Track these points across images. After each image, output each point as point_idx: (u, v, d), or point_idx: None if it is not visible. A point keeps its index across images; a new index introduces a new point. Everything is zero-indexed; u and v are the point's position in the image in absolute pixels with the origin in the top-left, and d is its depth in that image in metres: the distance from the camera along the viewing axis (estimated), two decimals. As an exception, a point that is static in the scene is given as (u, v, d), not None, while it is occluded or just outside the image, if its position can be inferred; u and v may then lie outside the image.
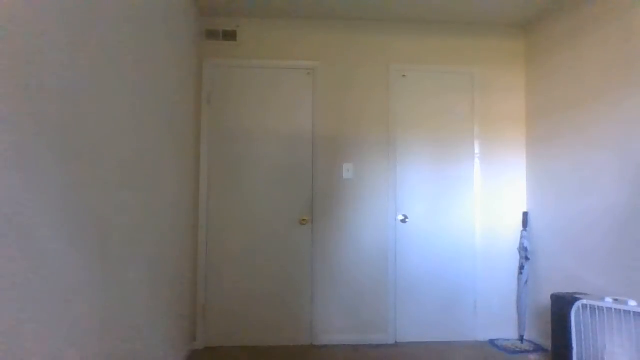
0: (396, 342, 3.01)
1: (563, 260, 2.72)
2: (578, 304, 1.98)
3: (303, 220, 3.00)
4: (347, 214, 3.04)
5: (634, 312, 1.85)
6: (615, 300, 1.92)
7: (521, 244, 3.01)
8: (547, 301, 2.83)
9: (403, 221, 3.08)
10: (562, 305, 2.32)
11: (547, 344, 2.77)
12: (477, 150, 3.15)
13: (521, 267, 2.99)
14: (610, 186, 2.36)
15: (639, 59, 2.19)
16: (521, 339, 3.00)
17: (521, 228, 3.11)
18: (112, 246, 1.46)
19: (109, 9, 1.42)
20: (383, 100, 3.11)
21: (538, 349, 2.87)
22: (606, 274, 2.36)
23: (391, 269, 3.04)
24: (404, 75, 3.15)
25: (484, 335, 3.07)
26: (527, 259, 2.97)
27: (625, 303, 1.89)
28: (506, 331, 3.09)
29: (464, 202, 3.13)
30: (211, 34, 3.02)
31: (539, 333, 2.95)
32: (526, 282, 2.98)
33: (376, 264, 3.04)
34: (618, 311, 1.88)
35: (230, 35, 3.03)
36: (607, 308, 1.91)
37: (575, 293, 2.41)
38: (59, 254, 1.10)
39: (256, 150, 3.02)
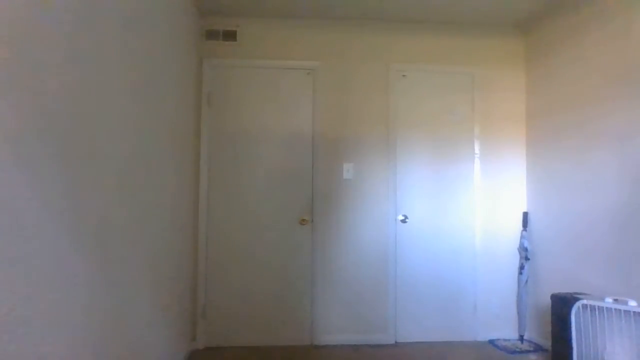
0: (396, 342, 3.01)
1: (563, 260, 2.72)
2: (578, 304, 1.98)
3: (303, 220, 3.00)
4: (347, 214, 3.04)
5: (634, 312, 1.84)
6: (615, 300, 1.92)
7: (521, 244, 3.01)
8: (547, 301, 2.83)
9: (403, 221, 3.08)
10: (562, 305, 2.32)
11: (547, 344, 2.76)
12: (477, 150, 3.15)
13: (521, 267, 2.99)
14: (610, 186, 2.36)
15: (638, 58, 2.19)
16: (521, 339, 3.00)
17: (521, 228, 3.11)
18: (112, 246, 1.46)
19: (109, 8, 1.42)
20: (383, 100, 3.11)
21: (538, 349, 2.87)
22: (606, 274, 2.36)
23: (391, 269, 3.04)
24: (404, 75, 3.15)
25: (483, 335, 3.07)
26: (527, 259, 2.97)
27: (625, 303, 1.88)
28: (506, 331, 3.09)
29: (464, 202, 3.13)
30: (211, 34, 3.02)
31: (539, 333, 2.95)
32: (526, 282, 2.98)
33: (376, 264, 3.04)
34: (618, 311, 1.88)
35: (230, 35, 3.03)
36: (607, 308, 1.90)
37: (575, 293, 2.41)
38: (58, 254, 1.10)
39: (256, 151, 3.02)
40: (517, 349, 2.87)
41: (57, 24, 1.08)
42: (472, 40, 3.19)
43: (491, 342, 3.02)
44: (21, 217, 0.94)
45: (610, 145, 2.36)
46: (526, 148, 3.18)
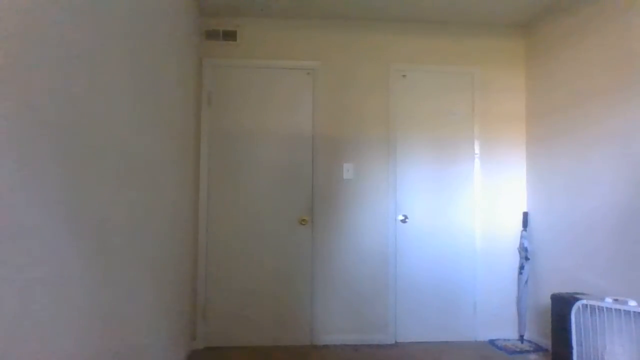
0: (396, 342, 3.01)
1: (563, 260, 2.72)
2: (578, 304, 1.98)
3: (303, 220, 3.00)
4: (347, 214, 3.04)
5: (634, 312, 1.84)
6: (615, 300, 1.92)
7: (521, 244, 3.01)
8: (547, 301, 2.83)
9: (403, 221, 3.08)
10: (562, 305, 2.32)
11: (547, 344, 2.77)
12: (477, 150, 3.15)
13: (521, 267, 2.99)
14: (610, 186, 2.36)
15: (638, 58, 2.19)
16: (521, 339, 3.00)
17: (521, 228, 3.11)
18: (112, 246, 1.46)
19: (109, 8, 1.42)
20: (383, 100, 3.11)
21: (538, 349, 2.87)
22: (606, 274, 2.36)
23: (391, 269, 3.04)
24: (404, 75, 3.15)
25: (484, 335, 3.07)
26: (527, 259, 2.97)
27: (625, 303, 1.89)
28: (506, 331, 3.09)
29: (464, 202, 3.13)
30: (211, 34, 3.02)
31: (539, 333, 2.95)
32: (526, 282, 2.98)
33: (376, 264, 3.04)
34: (618, 311, 1.88)
35: (230, 35, 3.03)
36: (607, 308, 1.90)
37: (576, 293, 2.41)
38: (59, 254, 1.10)
39: (256, 150, 3.02)
40: (517, 349, 2.87)
41: (56, 24, 1.08)
42: (472, 40, 3.19)
43: (491, 342, 3.02)
44: (21, 217, 0.94)
45: (611, 145, 2.36)
46: (526, 148, 3.18)
